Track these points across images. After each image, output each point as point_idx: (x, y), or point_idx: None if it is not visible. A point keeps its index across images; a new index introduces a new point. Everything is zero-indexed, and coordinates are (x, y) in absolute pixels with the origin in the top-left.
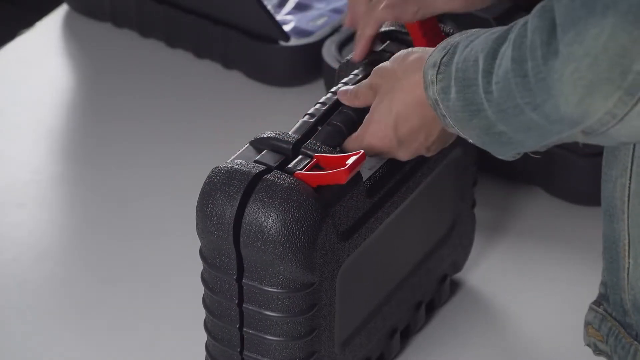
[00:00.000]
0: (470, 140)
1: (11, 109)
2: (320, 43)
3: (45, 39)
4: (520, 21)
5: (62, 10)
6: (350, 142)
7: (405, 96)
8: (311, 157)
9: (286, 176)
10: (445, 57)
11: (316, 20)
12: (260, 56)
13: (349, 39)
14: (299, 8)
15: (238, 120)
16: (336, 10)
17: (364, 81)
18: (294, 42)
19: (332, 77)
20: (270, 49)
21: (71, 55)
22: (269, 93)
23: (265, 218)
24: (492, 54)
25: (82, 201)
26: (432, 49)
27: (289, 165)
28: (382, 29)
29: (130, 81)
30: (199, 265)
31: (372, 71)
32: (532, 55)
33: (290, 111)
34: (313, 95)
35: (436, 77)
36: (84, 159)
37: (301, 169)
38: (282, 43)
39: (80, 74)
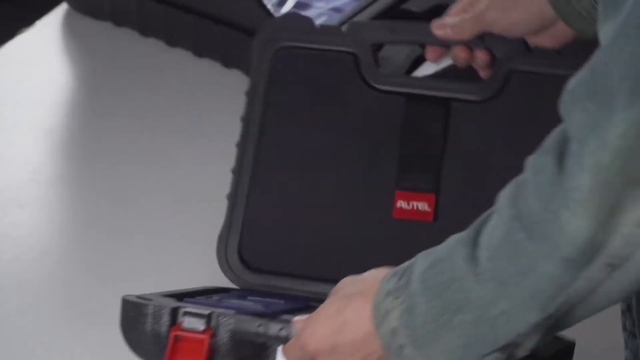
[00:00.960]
0: None
1: (11, 109)
2: None
3: (45, 38)
4: (499, 205)
5: (62, 9)
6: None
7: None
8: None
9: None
10: (401, 281)
11: (316, 19)
12: None
13: None
14: (299, 7)
15: (238, 119)
16: (336, 9)
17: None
18: None
19: None
20: None
21: (71, 54)
22: None
23: None
24: (472, 242)
25: (82, 201)
26: (374, 283)
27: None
28: None
29: (130, 80)
30: (199, 264)
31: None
32: (538, 195)
33: None
34: None
35: (394, 305)
36: (84, 158)
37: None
38: None
39: (80, 73)
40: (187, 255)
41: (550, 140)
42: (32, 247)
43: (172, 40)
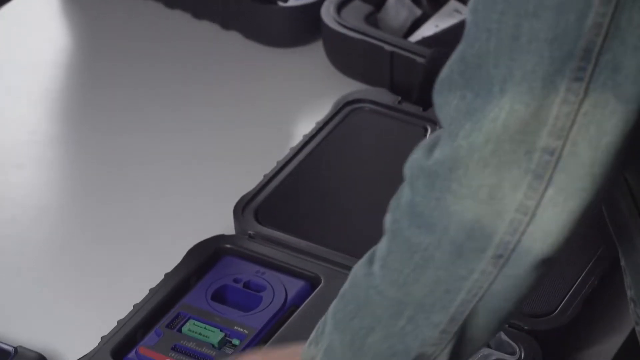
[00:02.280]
0: None
1: (10, 69)
2: (319, 4)
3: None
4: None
5: None
6: None
7: None
8: None
9: None
10: (319, 328)
11: None
12: (259, 17)
13: None
14: None
15: (236, 81)
16: None
17: None
18: (292, 2)
19: (330, 38)
20: (269, 9)
21: (70, 15)
22: (268, 54)
23: None
24: (368, 261)
25: (81, 161)
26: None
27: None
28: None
29: (128, 42)
30: (197, 227)
31: None
32: (416, 188)
33: (288, 72)
34: (311, 57)
35: (316, 350)
36: (83, 119)
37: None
38: (281, 3)
39: (78, 35)
40: (187, 217)
41: (421, 145)
42: (30, 207)
43: (171, 1)
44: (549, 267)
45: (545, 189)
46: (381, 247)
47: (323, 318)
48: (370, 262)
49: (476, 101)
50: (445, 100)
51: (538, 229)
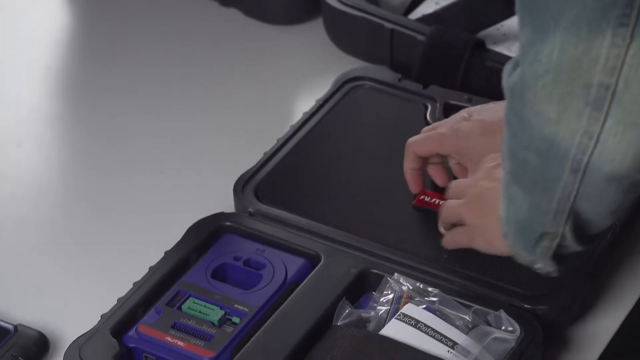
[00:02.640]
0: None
1: (9, 47)
2: None
3: None
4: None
5: None
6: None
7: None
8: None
9: None
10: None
11: None
12: None
13: None
14: None
15: (236, 58)
16: None
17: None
18: None
19: (330, 15)
20: None
21: None
22: (267, 31)
23: None
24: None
25: (81, 139)
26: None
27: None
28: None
29: (128, 21)
30: (197, 205)
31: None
32: (507, 101)
33: (288, 50)
34: (311, 34)
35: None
36: (82, 97)
37: None
38: None
39: (78, 13)
40: (187, 195)
41: (510, 61)
42: (31, 185)
43: None
44: (631, 184)
45: (605, 120)
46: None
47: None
48: (504, 157)
49: (535, 35)
50: (520, 26)
51: (603, 154)
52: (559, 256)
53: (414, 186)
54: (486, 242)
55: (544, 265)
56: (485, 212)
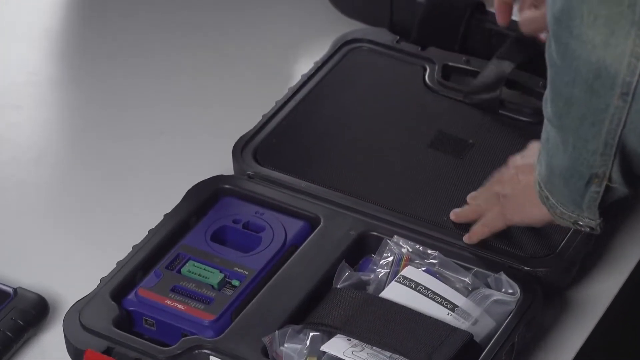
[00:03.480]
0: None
1: (6, 9)
2: None
3: None
4: None
5: None
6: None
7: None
8: None
9: None
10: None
11: None
12: None
13: None
14: None
15: (235, 21)
16: None
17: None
18: None
19: None
20: None
21: None
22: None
23: None
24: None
25: (80, 102)
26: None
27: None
28: None
29: None
30: (196, 168)
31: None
32: (551, 37)
33: (287, 12)
34: (310, 4)
35: (539, 164)
36: (81, 59)
37: None
38: None
39: None
40: (186, 158)
41: None
42: (30, 148)
43: None
44: None
45: None
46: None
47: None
48: (545, 101)
49: None
50: None
51: None
52: (604, 207)
53: (501, 18)
54: (522, 214)
55: (590, 217)
56: (518, 183)
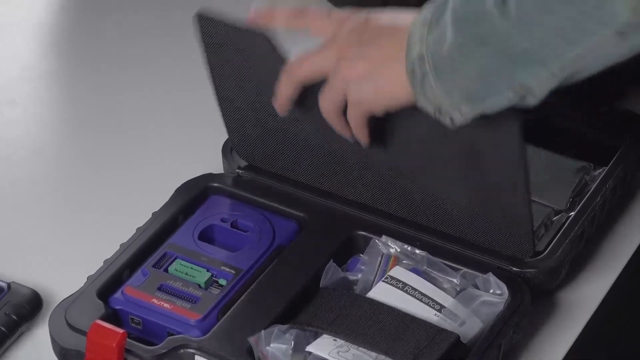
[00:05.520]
0: (448, 104)
1: (1, 3)
2: None
3: None
4: None
5: None
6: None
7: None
8: None
9: None
10: (436, 13)
11: None
12: None
13: None
14: None
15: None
16: None
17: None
18: None
19: None
20: None
21: None
22: None
23: None
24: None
25: (74, 98)
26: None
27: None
28: None
29: None
30: (186, 165)
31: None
32: None
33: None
34: (310, 4)
35: (427, 32)
36: (76, 54)
37: None
38: None
39: None
40: (175, 155)
41: None
42: (24, 145)
43: None
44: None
45: None
46: None
47: (439, 5)
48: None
49: None
50: None
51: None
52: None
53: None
54: (378, 88)
55: (466, 111)
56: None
